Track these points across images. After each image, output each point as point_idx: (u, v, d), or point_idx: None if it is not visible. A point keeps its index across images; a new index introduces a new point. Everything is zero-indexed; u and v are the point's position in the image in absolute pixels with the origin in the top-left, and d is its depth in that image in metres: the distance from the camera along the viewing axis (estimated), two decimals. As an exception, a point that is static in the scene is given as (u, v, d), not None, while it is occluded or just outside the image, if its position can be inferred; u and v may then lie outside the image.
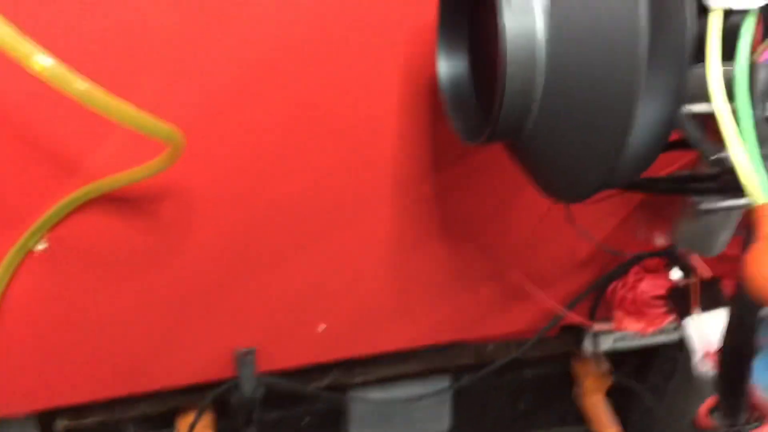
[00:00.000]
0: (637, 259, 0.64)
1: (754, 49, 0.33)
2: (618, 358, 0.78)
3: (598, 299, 0.67)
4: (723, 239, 0.46)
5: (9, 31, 0.33)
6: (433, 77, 0.49)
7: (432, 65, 0.48)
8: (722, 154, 0.31)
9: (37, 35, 0.35)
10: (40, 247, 0.49)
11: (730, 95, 0.32)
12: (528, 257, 0.63)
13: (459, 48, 0.40)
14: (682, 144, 0.34)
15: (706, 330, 0.54)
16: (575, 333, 0.75)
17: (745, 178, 0.30)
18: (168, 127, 0.40)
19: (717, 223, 0.45)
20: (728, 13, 0.31)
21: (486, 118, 0.36)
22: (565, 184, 0.36)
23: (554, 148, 0.35)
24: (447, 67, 0.40)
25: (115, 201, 0.48)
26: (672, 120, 0.32)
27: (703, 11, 0.31)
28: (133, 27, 0.42)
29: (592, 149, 0.33)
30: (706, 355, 0.53)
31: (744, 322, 0.36)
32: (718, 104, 0.31)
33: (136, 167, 0.44)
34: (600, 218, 0.62)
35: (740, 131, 0.30)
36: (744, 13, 0.31)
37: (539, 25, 0.33)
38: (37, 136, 0.44)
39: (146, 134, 0.40)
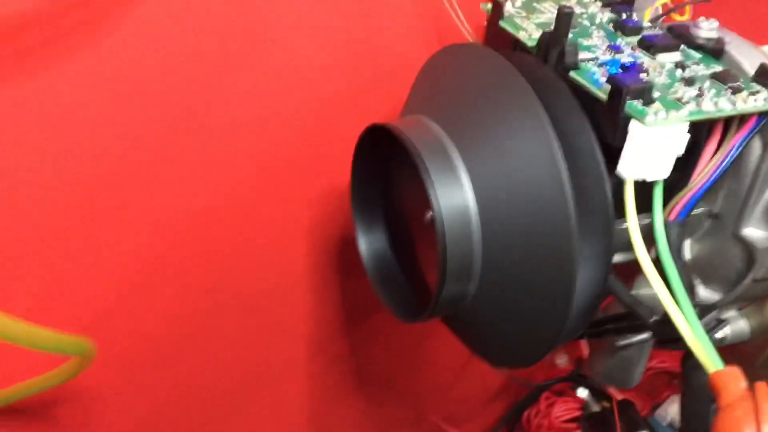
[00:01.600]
0: (546, 386, 0.65)
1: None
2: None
3: (513, 430, 0.67)
4: (639, 370, 0.47)
5: None
6: (338, 237, 0.49)
7: (337, 226, 0.48)
8: (657, 317, 0.32)
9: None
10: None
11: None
12: (444, 398, 0.63)
13: (376, 222, 0.39)
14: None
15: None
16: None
17: (693, 347, 0.31)
18: (74, 340, 0.37)
19: (633, 356, 0.46)
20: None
21: (415, 293, 0.36)
22: (510, 354, 0.36)
23: (496, 321, 0.35)
24: (366, 242, 0.39)
25: (13, 412, 0.44)
26: (605, 281, 0.33)
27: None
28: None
29: (537, 319, 0.33)
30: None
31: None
32: (651, 275, 0.32)
33: (38, 376, 0.40)
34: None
35: (678, 303, 0.32)
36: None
37: (470, 201, 0.33)
38: None
39: (50, 352, 0.36)
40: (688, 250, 0.41)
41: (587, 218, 0.32)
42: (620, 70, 0.34)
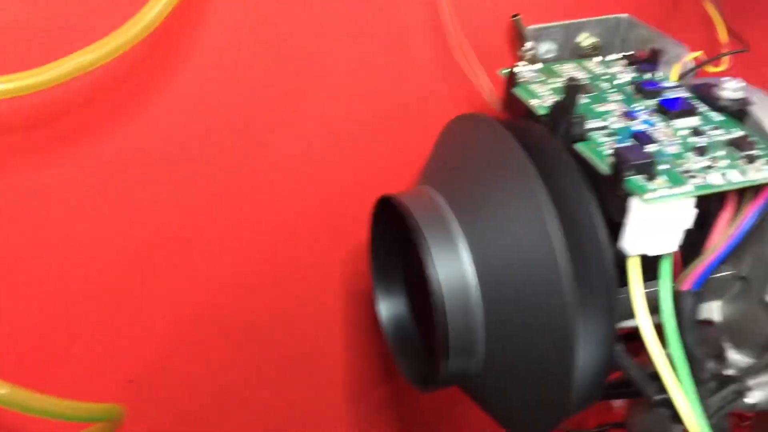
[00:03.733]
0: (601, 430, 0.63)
1: (676, 277, 0.34)
2: None
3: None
4: (679, 427, 0.46)
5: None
6: (370, 291, 0.50)
7: (368, 281, 0.49)
8: (664, 396, 0.32)
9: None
10: None
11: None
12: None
13: (396, 285, 0.40)
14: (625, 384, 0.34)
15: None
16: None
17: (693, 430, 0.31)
18: (104, 407, 0.39)
19: (667, 413, 0.45)
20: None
21: (430, 363, 0.36)
22: (519, 425, 0.36)
23: (503, 395, 0.35)
24: (386, 307, 0.40)
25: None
26: (609, 356, 0.33)
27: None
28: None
29: (540, 396, 0.33)
30: None
31: None
32: (655, 355, 0.32)
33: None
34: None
35: (679, 378, 0.31)
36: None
37: (470, 277, 0.33)
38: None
39: (79, 422, 0.38)
40: (718, 312, 0.39)
41: (589, 294, 0.32)
42: (631, 140, 0.34)
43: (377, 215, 0.38)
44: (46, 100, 0.36)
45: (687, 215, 0.31)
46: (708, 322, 0.40)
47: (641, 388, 0.33)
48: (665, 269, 0.32)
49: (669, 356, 0.32)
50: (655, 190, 0.31)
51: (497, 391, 0.35)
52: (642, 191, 0.31)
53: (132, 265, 0.42)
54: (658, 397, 0.32)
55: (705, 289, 0.38)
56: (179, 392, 0.48)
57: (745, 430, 0.61)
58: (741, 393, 0.34)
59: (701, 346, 0.40)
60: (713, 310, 0.40)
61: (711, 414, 0.33)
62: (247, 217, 0.44)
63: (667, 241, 0.31)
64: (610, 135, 0.34)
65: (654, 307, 0.33)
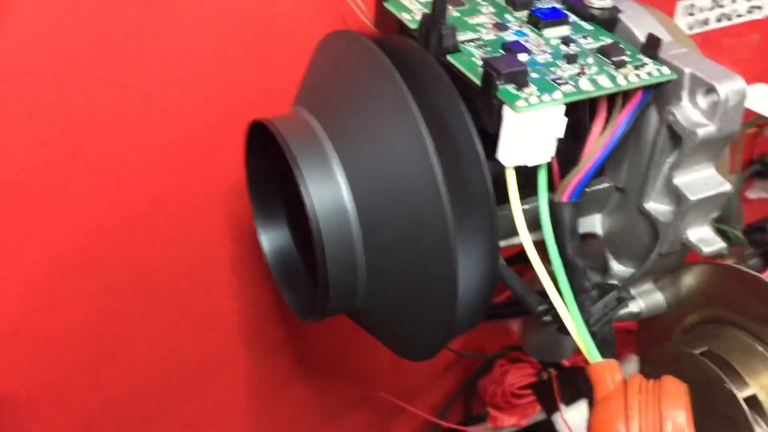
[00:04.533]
0: (500, 355, 0.64)
1: (555, 189, 0.34)
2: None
3: (469, 401, 0.67)
4: (569, 344, 0.47)
5: None
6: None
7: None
8: (544, 307, 0.32)
9: None
10: None
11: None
12: (394, 375, 0.63)
13: (278, 216, 0.39)
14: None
15: (572, 423, 0.55)
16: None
17: (575, 338, 0.31)
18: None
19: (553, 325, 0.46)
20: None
21: (315, 293, 0.35)
22: (407, 348, 0.36)
23: (389, 318, 0.34)
24: (269, 238, 0.38)
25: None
26: (494, 270, 0.33)
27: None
28: None
29: (426, 314, 0.33)
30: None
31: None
32: (532, 258, 0.31)
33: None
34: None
35: (561, 295, 0.31)
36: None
37: (347, 198, 0.32)
38: None
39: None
40: (600, 225, 0.40)
41: (468, 210, 0.31)
42: (501, 51, 0.33)
43: (251, 143, 0.36)
44: None
45: (558, 123, 0.31)
46: (592, 236, 0.40)
47: (524, 301, 0.33)
48: (541, 180, 0.32)
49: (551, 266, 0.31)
50: (527, 98, 0.30)
51: (383, 315, 0.35)
52: (513, 99, 0.30)
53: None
54: (540, 308, 0.32)
55: (586, 202, 0.38)
56: (59, 344, 0.45)
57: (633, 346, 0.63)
58: (622, 300, 0.34)
59: (582, 256, 0.40)
60: (596, 224, 0.40)
61: (594, 321, 0.34)
62: (113, 156, 0.41)
63: (541, 151, 0.31)
64: (481, 46, 0.33)
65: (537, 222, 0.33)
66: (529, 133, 0.30)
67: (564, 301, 0.31)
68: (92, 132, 0.40)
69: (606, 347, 0.34)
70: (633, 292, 0.40)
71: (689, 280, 0.38)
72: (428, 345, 0.34)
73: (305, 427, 0.60)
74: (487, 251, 0.32)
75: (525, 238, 0.31)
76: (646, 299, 0.40)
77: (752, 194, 0.67)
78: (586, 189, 0.38)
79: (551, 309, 0.31)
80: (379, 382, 0.62)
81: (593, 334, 0.34)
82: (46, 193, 0.41)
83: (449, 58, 0.33)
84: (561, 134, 0.31)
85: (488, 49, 0.33)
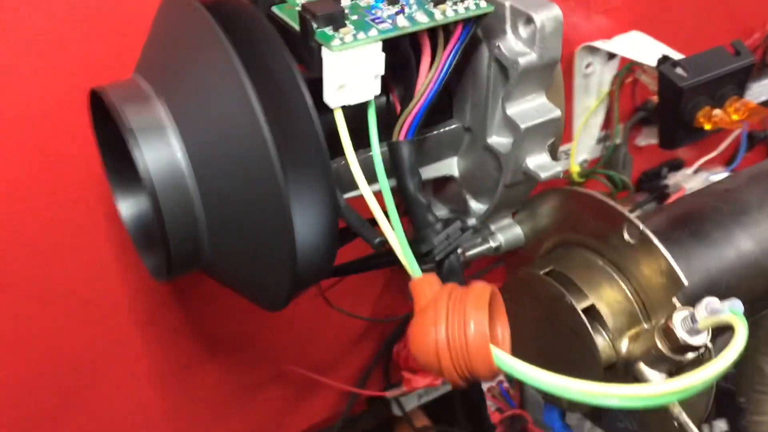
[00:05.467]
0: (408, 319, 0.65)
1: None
2: (438, 409, 0.79)
3: (387, 367, 0.68)
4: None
5: None
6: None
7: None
8: (380, 239, 0.33)
9: None
10: None
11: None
12: (306, 349, 0.63)
13: (133, 182, 0.39)
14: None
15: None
16: (386, 403, 0.76)
17: (399, 256, 0.32)
18: None
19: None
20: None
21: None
22: (261, 298, 0.36)
23: (238, 270, 0.35)
24: (126, 204, 0.39)
25: None
26: (333, 214, 0.33)
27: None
28: None
29: (270, 264, 0.34)
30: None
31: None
32: (364, 192, 0.32)
33: None
34: (361, 292, 0.63)
35: (389, 212, 0.32)
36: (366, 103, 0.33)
37: (180, 156, 0.33)
38: None
39: None
40: (455, 167, 0.41)
41: (301, 156, 0.32)
42: (324, 0, 0.34)
43: (96, 113, 0.36)
44: None
45: (377, 60, 0.32)
46: (450, 179, 0.42)
47: (362, 234, 0.34)
48: (371, 116, 0.33)
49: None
50: (342, 37, 0.31)
51: (232, 269, 0.35)
52: (328, 40, 0.31)
53: None
54: (377, 240, 0.33)
55: (439, 146, 0.40)
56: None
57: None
58: (465, 230, 0.36)
59: (442, 198, 0.41)
60: (452, 166, 0.41)
61: (438, 251, 0.35)
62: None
63: (364, 89, 0.32)
64: (305, -2, 0.34)
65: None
66: (348, 72, 0.31)
67: (391, 225, 0.32)
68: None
69: (452, 274, 0.36)
70: (492, 227, 0.41)
71: (541, 210, 0.40)
72: (279, 293, 0.34)
73: (219, 406, 0.61)
74: (322, 194, 0.33)
75: (353, 163, 0.32)
76: (505, 233, 0.41)
77: (642, 141, 0.69)
78: (435, 131, 0.39)
79: (384, 240, 0.33)
80: (292, 359, 0.63)
81: (439, 263, 0.35)
82: None
83: (274, 9, 0.34)
84: (381, 71, 0.32)
85: (311, -2, 0.34)
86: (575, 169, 0.62)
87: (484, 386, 0.57)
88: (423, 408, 0.76)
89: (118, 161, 0.38)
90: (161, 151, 0.32)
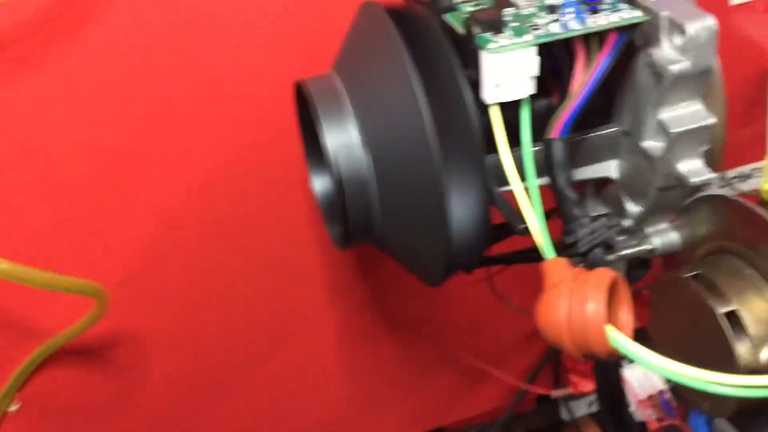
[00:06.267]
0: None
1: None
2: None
3: (556, 367, 0.70)
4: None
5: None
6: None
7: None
8: (524, 225, 0.36)
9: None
10: (13, 408, 0.54)
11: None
12: (478, 338, 0.67)
13: (322, 162, 0.45)
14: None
15: (642, 376, 0.57)
16: (554, 405, 0.77)
17: (537, 240, 0.35)
18: (91, 284, 0.46)
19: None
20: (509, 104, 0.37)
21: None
22: (420, 272, 0.41)
23: (401, 245, 0.40)
24: (318, 182, 0.45)
25: (72, 354, 0.54)
26: (485, 200, 0.37)
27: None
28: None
29: (427, 243, 0.38)
30: (641, 402, 0.56)
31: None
32: (512, 182, 0.36)
33: (75, 323, 0.50)
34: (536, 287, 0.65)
35: (533, 203, 0.36)
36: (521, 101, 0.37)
37: (357, 141, 0.38)
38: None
39: (75, 293, 0.46)
40: (615, 169, 0.43)
41: (459, 146, 0.36)
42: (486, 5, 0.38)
43: (300, 101, 0.43)
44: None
45: (532, 62, 0.35)
46: (609, 181, 0.44)
47: (509, 220, 0.37)
48: (524, 114, 0.37)
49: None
50: (497, 41, 0.35)
51: (397, 244, 0.40)
52: (486, 43, 0.35)
53: (106, 173, 0.49)
54: (521, 226, 0.36)
55: (599, 149, 0.42)
56: (163, 294, 0.54)
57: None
58: (612, 226, 0.38)
59: (601, 199, 0.44)
60: (611, 168, 0.43)
61: (583, 244, 0.37)
62: (208, 126, 0.50)
63: (518, 88, 0.36)
64: (474, 5, 0.38)
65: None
66: (503, 72, 0.35)
67: (533, 205, 0.35)
68: (188, 107, 0.49)
69: (595, 267, 0.38)
70: (649, 230, 0.43)
71: (697, 216, 0.41)
72: (435, 270, 0.39)
73: (394, 382, 0.66)
74: (476, 182, 0.37)
75: (506, 159, 0.36)
76: (661, 237, 0.43)
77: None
78: (594, 134, 0.42)
79: (527, 227, 0.36)
80: (463, 346, 0.67)
81: (583, 255, 0.38)
82: (151, 161, 0.50)
83: (446, 17, 0.38)
84: (535, 72, 0.35)
85: (479, 5, 0.38)
86: (765, 187, 0.60)
87: (644, 395, 0.57)
88: (593, 416, 0.77)
89: (314, 144, 0.44)
90: (343, 138, 0.38)
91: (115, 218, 0.51)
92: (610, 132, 0.42)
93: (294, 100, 0.44)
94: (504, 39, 0.35)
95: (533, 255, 0.44)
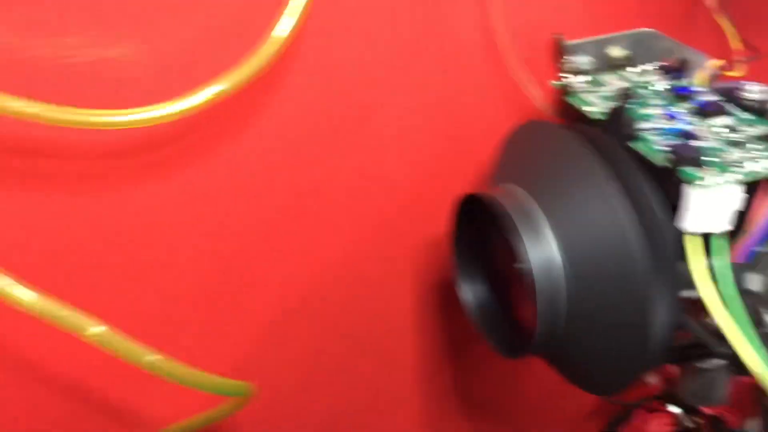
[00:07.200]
0: (639, 404, 0.69)
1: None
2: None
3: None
4: (723, 391, 0.52)
5: (60, 307, 0.34)
6: (437, 282, 0.56)
7: (435, 273, 0.55)
8: (727, 349, 0.38)
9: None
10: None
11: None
12: (541, 419, 0.69)
13: (476, 272, 0.46)
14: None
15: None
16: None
17: (754, 372, 0.36)
18: (240, 384, 0.44)
19: (716, 377, 0.51)
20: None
21: (518, 334, 0.42)
22: (599, 385, 0.42)
23: (584, 356, 0.41)
24: (470, 291, 0.46)
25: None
26: (677, 317, 0.39)
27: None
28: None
29: (619, 355, 0.39)
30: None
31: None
32: (719, 316, 0.37)
33: (201, 413, 0.48)
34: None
35: (744, 332, 0.37)
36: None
37: (555, 254, 0.40)
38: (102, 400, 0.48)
39: (218, 394, 0.44)
40: (758, 283, 0.46)
41: (657, 266, 0.38)
42: (679, 138, 0.40)
43: (458, 213, 0.44)
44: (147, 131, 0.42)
45: (736, 198, 0.37)
46: (749, 292, 0.46)
47: (708, 343, 0.39)
48: (722, 245, 0.38)
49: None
50: (707, 177, 0.37)
51: (578, 355, 0.41)
52: (694, 179, 0.37)
53: (230, 267, 0.48)
54: (722, 349, 0.38)
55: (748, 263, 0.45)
56: (273, 378, 0.54)
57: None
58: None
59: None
60: (754, 281, 0.46)
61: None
62: (329, 221, 0.50)
63: (719, 222, 0.38)
64: (658, 134, 0.40)
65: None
66: (708, 207, 0.37)
67: (747, 338, 0.36)
68: (311, 203, 0.49)
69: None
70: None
71: None
72: (619, 382, 0.40)
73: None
74: (671, 302, 0.38)
75: (708, 292, 0.37)
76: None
77: None
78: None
79: (730, 350, 0.37)
80: (528, 427, 0.68)
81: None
82: (274, 256, 0.50)
83: (632, 143, 0.40)
84: (738, 207, 0.38)
85: (665, 136, 0.40)
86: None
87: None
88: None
89: (467, 256, 0.45)
90: (541, 249, 0.39)
91: (236, 310, 0.50)
92: (764, 251, 0.44)
93: (456, 212, 0.44)
94: (711, 176, 0.37)
95: (694, 352, 0.46)
